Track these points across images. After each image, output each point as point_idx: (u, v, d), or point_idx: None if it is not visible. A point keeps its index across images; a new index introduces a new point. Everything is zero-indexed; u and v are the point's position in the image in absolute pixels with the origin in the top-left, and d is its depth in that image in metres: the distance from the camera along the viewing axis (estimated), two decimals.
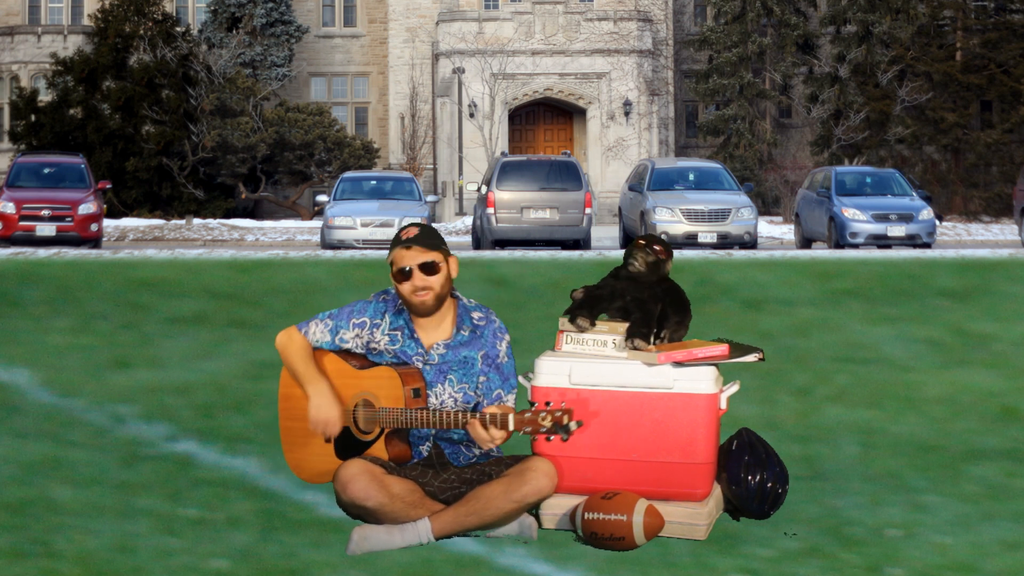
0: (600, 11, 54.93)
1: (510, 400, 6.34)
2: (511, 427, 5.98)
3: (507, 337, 6.39)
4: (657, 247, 6.49)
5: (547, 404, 5.98)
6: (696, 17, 59.89)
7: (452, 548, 6.02)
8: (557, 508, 6.34)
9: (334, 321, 6.35)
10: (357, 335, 6.33)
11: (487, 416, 6.00)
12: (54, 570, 5.63)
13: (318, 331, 6.35)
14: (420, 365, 6.27)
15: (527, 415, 5.96)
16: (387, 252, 6.34)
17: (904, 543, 6.20)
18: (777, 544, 6.15)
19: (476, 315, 6.37)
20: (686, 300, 6.54)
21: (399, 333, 6.31)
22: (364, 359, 6.34)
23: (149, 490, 7.02)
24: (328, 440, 6.28)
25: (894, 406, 9.77)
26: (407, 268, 6.23)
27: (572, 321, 6.46)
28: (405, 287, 6.25)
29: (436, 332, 6.34)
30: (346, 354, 6.35)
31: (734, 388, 6.52)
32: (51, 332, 12.78)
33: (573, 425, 5.93)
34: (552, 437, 6.05)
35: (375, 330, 6.33)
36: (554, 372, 6.34)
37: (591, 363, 6.35)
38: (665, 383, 6.29)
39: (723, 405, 6.40)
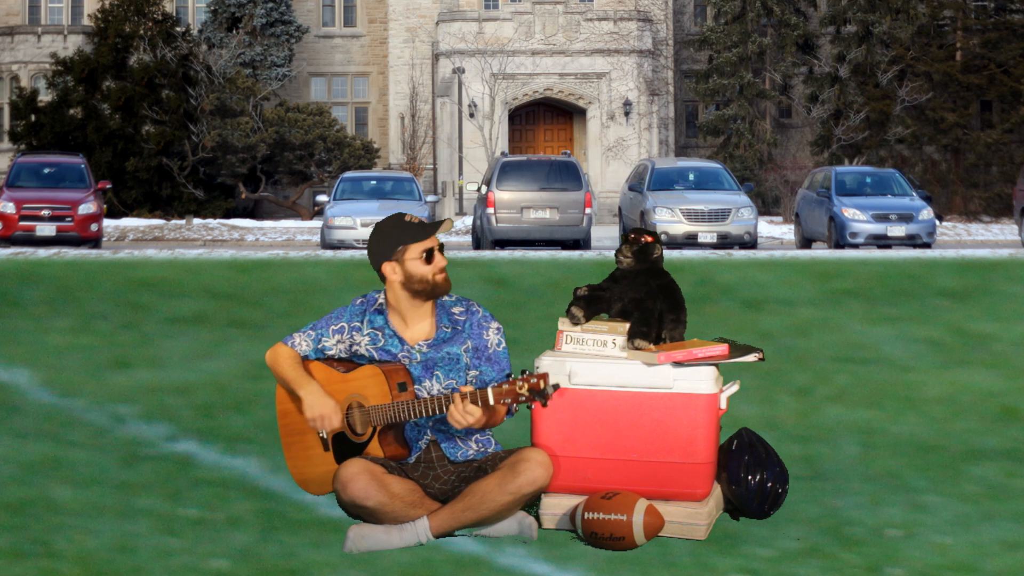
0: (600, 11, 54.92)
1: None
2: (491, 400, 5.95)
3: (495, 324, 6.35)
4: (642, 236, 6.47)
5: (523, 372, 5.96)
6: (696, 17, 59.86)
7: (452, 548, 6.02)
8: (557, 508, 6.34)
9: (315, 331, 6.37)
10: (339, 340, 6.34)
11: (465, 394, 5.97)
12: (54, 570, 5.63)
13: (302, 341, 6.37)
14: (406, 363, 6.26)
15: (504, 386, 5.93)
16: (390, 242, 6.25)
17: (904, 543, 6.20)
18: (777, 544, 6.15)
19: (456, 310, 6.34)
20: (681, 298, 6.53)
21: (380, 333, 6.30)
22: (350, 363, 6.34)
23: (149, 490, 7.02)
24: (327, 435, 6.25)
25: (894, 406, 9.76)
26: (436, 247, 6.25)
27: (567, 311, 6.44)
28: (430, 267, 6.22)
29: (417, 330, 6.31)
30: (333, 361, 6.35)
31: (734, 388, 6.52)
32: (51, 332, 12.77)
33: (550, 389, 5.88)
34: (532, 405, 6.01)
35: (355, 333, 6.33)
36: (554, 372, 6.33)
37: (591, 363, 6.34)
38: (665, 383, 6.28)
39: (723, 405, 6.40)
